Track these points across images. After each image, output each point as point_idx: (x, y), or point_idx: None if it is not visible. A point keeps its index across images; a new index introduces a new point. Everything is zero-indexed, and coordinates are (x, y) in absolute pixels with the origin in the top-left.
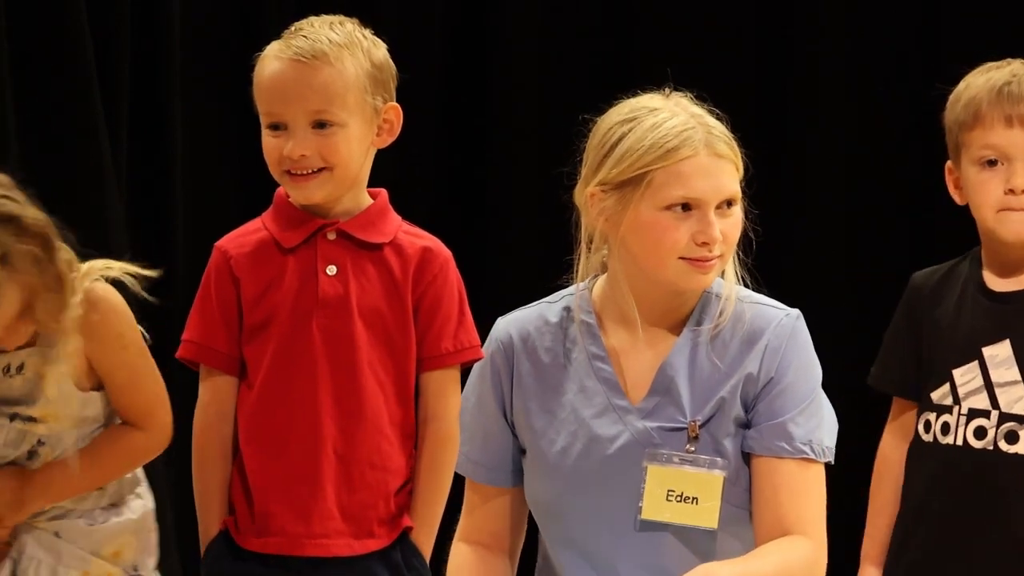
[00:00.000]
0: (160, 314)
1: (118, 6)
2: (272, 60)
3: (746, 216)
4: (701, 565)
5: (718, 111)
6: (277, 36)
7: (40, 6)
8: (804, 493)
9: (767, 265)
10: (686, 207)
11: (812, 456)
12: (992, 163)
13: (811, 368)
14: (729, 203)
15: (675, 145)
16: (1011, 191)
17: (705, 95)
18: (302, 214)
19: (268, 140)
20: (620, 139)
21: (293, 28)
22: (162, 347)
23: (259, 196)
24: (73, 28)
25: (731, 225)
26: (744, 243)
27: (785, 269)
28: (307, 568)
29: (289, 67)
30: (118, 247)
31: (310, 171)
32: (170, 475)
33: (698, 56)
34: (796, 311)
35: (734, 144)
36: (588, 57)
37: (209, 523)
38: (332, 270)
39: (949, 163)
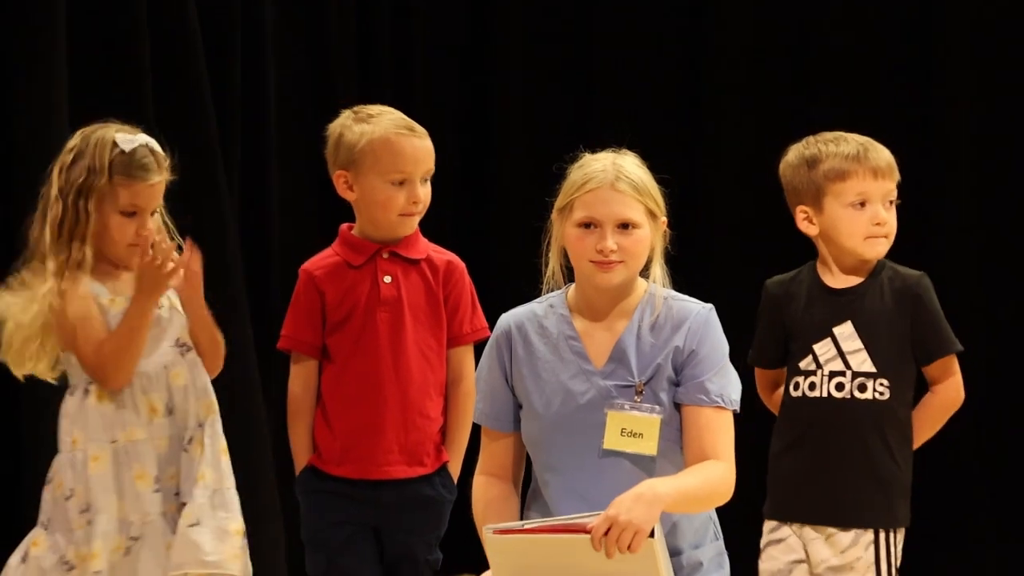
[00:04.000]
0: (261, 317)
1: (231, 88)
2: (405, 134)
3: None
4: (645, 480)
5: (665, 176)
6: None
7: (177, 93)
8: (718, 431)
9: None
10: (589, 225)
11: (723, 405)
12: (861, 205)
13: (720, 345)
14: (626, 225)
15: (586, 181)
16: (877, 224)
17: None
18: (364, 242)
19: (392, 192)
20: (565, 179)
21: (375, 112)
22: (266, 340)
23: (328, 230)
24: (201, 106)
25: (630, 241)
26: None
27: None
28: (371, 487)
29: (417, 139)
30: (235, 269)
31: (417, 213)
32: (270, 424)
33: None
34: (710, 304)
35: (641, 187)
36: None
37: (301, 458)
38: (388, 279)
39: (802, 206)
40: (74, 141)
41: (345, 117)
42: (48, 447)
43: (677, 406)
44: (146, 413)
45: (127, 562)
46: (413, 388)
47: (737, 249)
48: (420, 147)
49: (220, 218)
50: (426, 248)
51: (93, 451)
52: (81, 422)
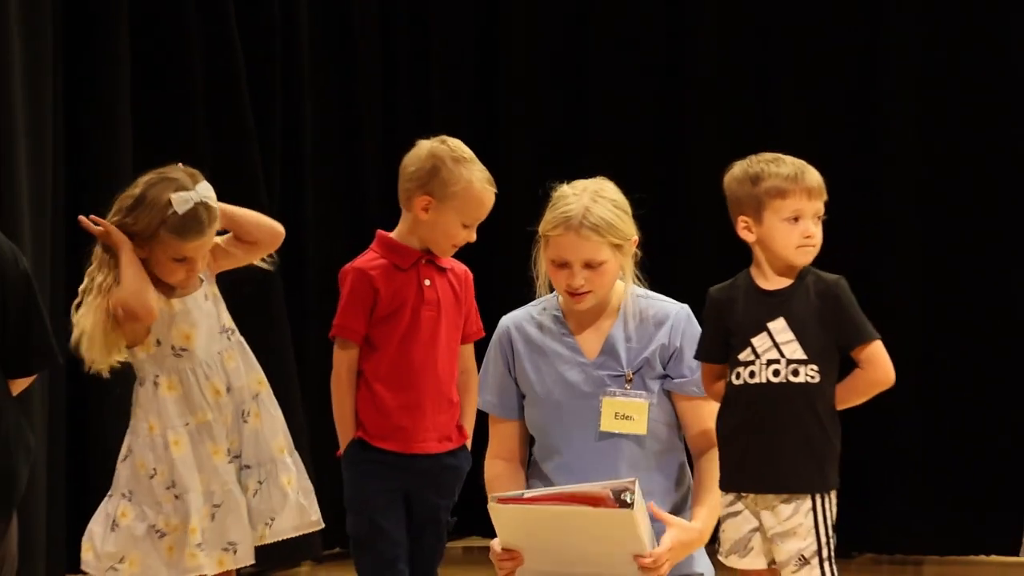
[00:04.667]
0: (297, 318)
1: (272, 122)
2: (489, 190)
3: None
4: (695, 529)
5: (642, 196)
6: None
7: (227, 127)
8: (710, 417)
9: None
10: (559, 264)
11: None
12: (795, 220)
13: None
14: (589, 264)
15: (556, 225)
16: (808, 237)
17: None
18: (407, 248)
19: (460, 230)
20: (547, 206)
21: (468, 156)
22: (301, 335)
23: (354, 239)
24: (246, 137)
25: (597, 274)
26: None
27: None
28: (409, 458)
29: (492, 195)
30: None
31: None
32: (305, 409)
33: None
34: (686, 305)
35: (604, 227)
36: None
37: (347, 432)
38: (428, 282)
39: (743, 216)
40: (136, 189)
41: (439, 150)
42: (111, 427)
43: (667, 396)
44: (211, 396)
45: (215, 526)
46: (444, 377)
47: (714, 251)
48: (491, 203)
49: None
50: (450, 259)
51: (172, 436)
52: (155, 410)
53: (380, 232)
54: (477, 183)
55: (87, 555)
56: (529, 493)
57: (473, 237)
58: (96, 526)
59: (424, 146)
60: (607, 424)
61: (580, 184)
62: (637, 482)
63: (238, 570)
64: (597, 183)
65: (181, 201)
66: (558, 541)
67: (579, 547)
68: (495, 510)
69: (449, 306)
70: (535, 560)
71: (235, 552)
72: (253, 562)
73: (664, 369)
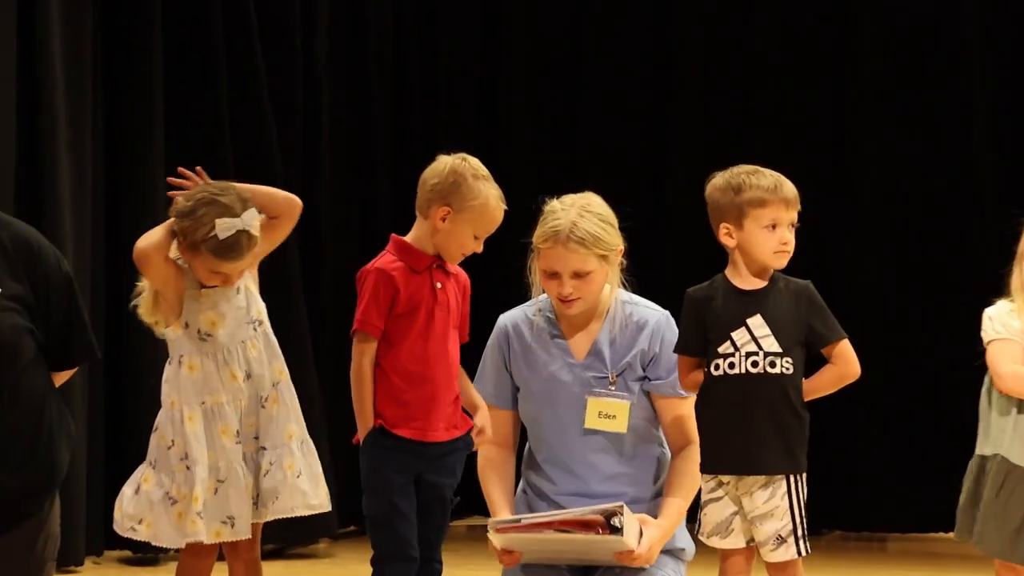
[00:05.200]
0: (315, 316)
1: (292, 137)
2: (501, 208)
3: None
4: (663, 524)
5: (626, 209)
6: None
7: (249, 137)
8: (689, 416)
9: None
10: (550, 274)
11: (686, 395)
12: (773, 227)
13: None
14: (577, 274)
15: (545, 239)
16: (784, 243)
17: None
18: (421, 252)
19: (470, 241)
20: (539, 219)
21: (486, 175)
22: (319, 330)
23: (371, 239)
24: (269, 150)
25: (584, 283)
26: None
27: None
28: (423, 446)
29: (502, 212)
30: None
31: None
32: (323, 399)
33: None
34: (666, 311)
35: (591, 240)
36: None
37: (368, 420)
38: (439, 285)
39: (725, 223)
40: (192, 200)
41: (460, 167)
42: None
43: (647, 395)
44: (228, 381)
45: (217, 499)
46: (452, 372)
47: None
48: (501, 219)
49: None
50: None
51: (187, 412)
52: (177, 387)
53: (395, 236)
54: (492, 200)
55: (116, 514)
56: (526, 519)
57: (480, 248)
58: (127, 488)
59: (446, 161)
60: (591, 422)
61: (569, 199)
62: (625, 505)
63: (263, 546)
64: (584, 198)
65: (224, 227)
66: (553, 550)
67: (572, 552)
68: (494, 536)
69: (455, 308)
70: (533, 556)
71: (232, 525)
72: (249, 536)
73: (644, 371)
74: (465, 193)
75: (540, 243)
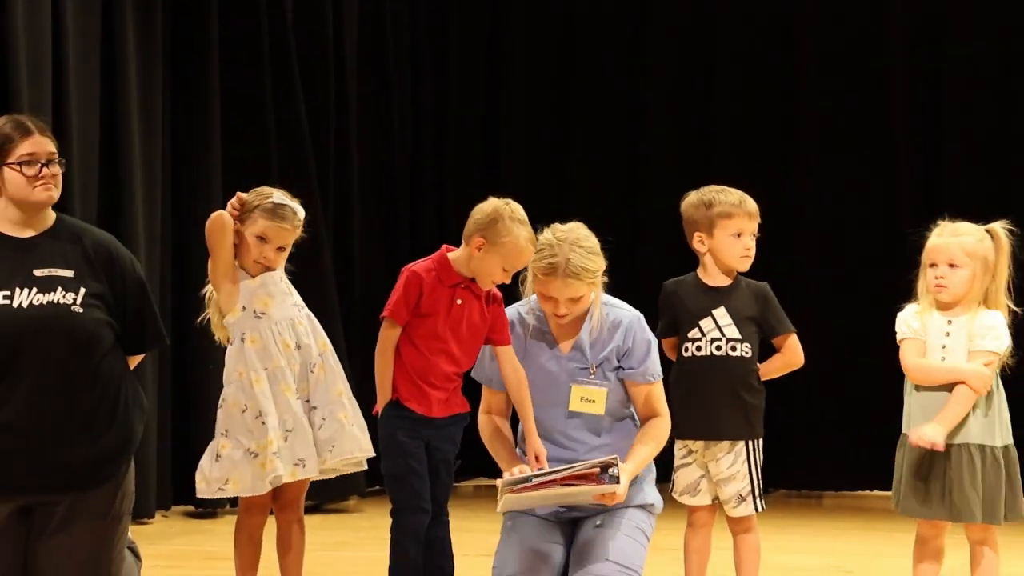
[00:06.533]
0: (345, 302)
1: (325, 152)
2: (529, 245)
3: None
4: (628, 467)
5: (609, 238)
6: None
7: (291, 151)
8: (658, 397)
9: None
10: (547, 297)
11: (655, 380)
12: (738, 236)
13: (647, 341)
14: (571, 299)
15: (543, 272)
16: (747, 249)
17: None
18: (453, 271)
19: (500, 273)
20: (534, 255)
21: (522, 219)
22: (348, 313)
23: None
24: (304, 162)
25: (577, 304)
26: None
27: None
28: (428, 420)
29: (532, 251)
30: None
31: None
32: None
33: None
34: (638, 312)
35: (583, 273)
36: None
37: (385, 395)
38: (459, 301)
39: (698, 233)
40: (251, 195)
41: (502, 209)
42: (205, 393)
43: (621, 382)
44: (283, 349)
45: (288, 446)
46: (452, 367)
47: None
48: (529, 258)
49: (317, 238)
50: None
51: (254, 376)
52: (243, 360)
53: (445, 247)
54: (523, 240)
55: (200, 484)
56: (536, 479)
57: (508, 280)
58: (204, 461)
59: (492, 201)
60: (574, 405)
61: (560, 233)
62: (618, 457)
63: (307, 498)
64: (574, 232)
65: (281, 198)
66: (543, 500)
67: (557, 498)
68: (505, 497)
69: (472, 323)
70: (522, 505)
71: (304, 466)
72: (318, 475)
73: (619, 363)
74: (500, 230)
75: (538, 272)
